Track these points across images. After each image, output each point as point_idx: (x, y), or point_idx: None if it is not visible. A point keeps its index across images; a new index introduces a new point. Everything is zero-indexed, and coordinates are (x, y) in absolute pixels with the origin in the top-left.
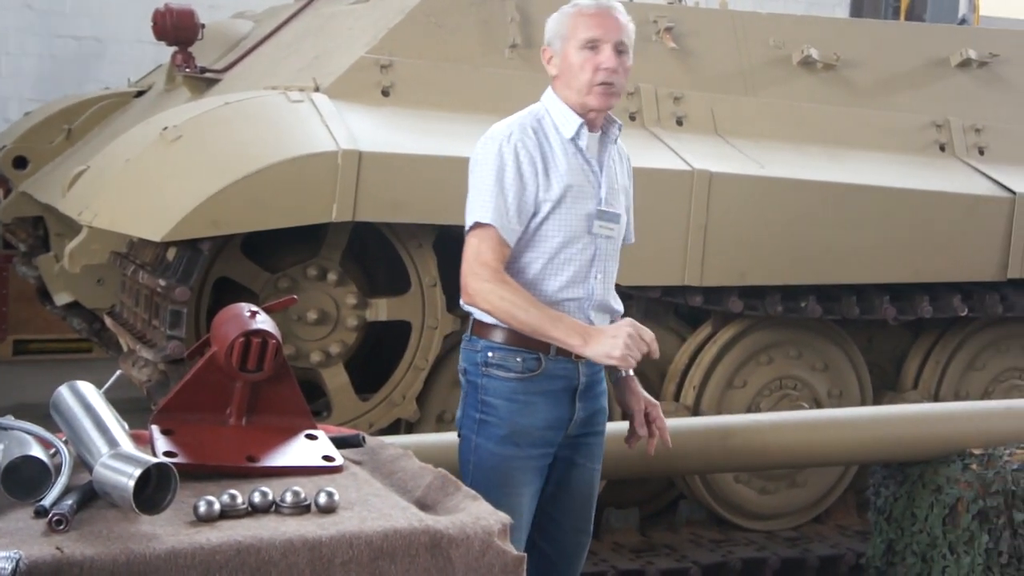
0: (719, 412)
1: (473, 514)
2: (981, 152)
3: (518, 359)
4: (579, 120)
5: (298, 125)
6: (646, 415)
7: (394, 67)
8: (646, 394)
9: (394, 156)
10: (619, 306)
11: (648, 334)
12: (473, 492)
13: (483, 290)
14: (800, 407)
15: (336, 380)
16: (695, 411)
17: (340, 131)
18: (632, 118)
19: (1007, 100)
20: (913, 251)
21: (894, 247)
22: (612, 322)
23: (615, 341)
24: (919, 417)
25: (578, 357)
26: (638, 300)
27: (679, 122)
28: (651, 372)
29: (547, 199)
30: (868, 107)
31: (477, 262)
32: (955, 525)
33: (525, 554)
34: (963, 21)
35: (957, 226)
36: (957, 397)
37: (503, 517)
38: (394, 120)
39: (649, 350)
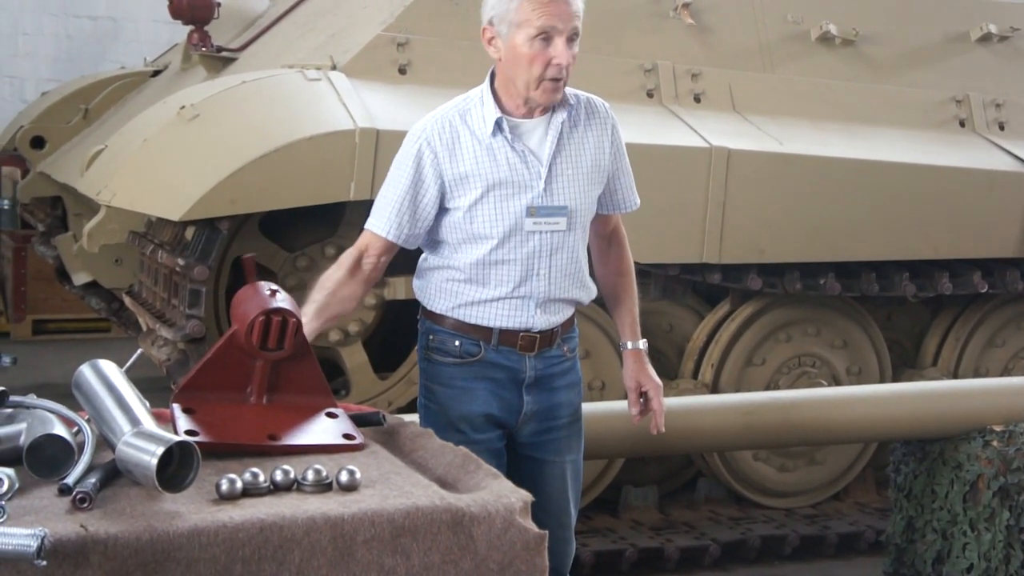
0: (738, 390)
1: (495, 492)
2: (1001, 127)
3: (456, 343)
4: (495, 115)
5: (315, 103)
6: (643, 394)
7: (411, 45)
8: (651, 373)
9: None
10: (584, 295)
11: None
12: (494, 470)
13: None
14: (819, 384)
15: (355, 359)
16: (714, 389)
17: (357, 109)
18: (650, 95)
19: None
20: (933, 227)
21: (914, 223)
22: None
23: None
24: (939, 394)
25: (524, 349)
26: (656, 278)
27: (697, 99)
28: (669, 350)
29: (463, 197)
30: (887, 83)
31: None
32: (976, 502)
33: (547, 531)
34: None
35: (977, 202)
36: (977, 374)
37: (524, 495)
38: (411, 98)
39: None
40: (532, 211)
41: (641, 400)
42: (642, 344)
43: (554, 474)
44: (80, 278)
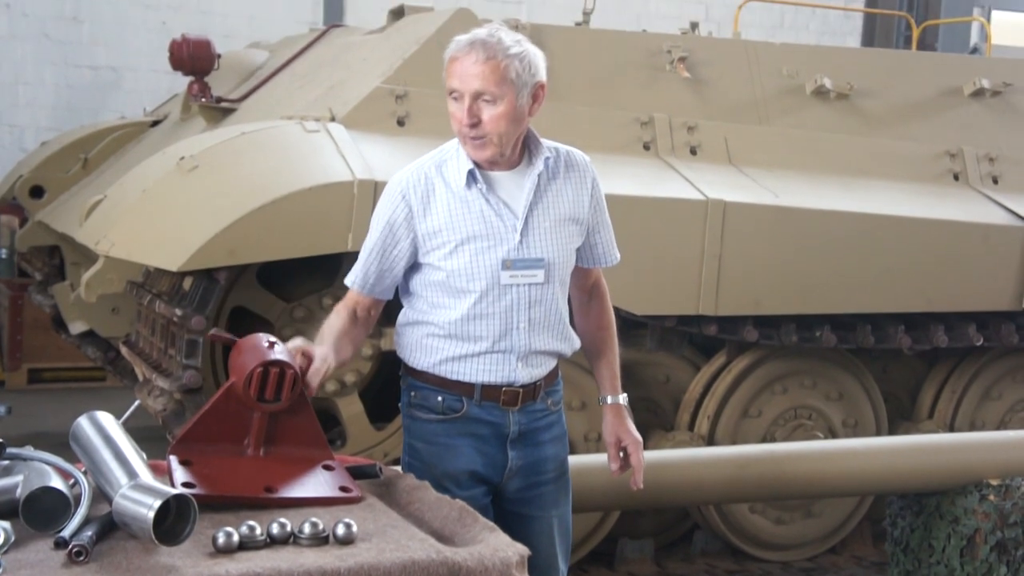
0: (734, 442)
1: (491, 545)
2: (995, 181)
3: (439, 399)
4: (469, 165)
5: (314, 155)
6: (623, 450)
7: (409, 97)
8: (630, 428)
9: None
10: (566, 347)
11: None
12: (491, 524)
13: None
14: (815, 437)
15: (351, 409)
16: (710, 441)
17: (356, 161)
18: (646, 147)
19: (1021, 129)
20: (928, 280)
21: (909, 276)
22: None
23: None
24: (935, 447)
25: (507, 404)
26: (653, 329)
27: (693, 151)
28: (665, 401)
29: (438, 251)
30: (882, 136)
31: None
32: (973, 557)
33: None
34: (975, 50)
35: (972, 255)
36: (973, 427)
37: (521, 549)
38: (409, 149)
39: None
40: (508, 264)
41: (620, 455)
42: (622, 399)
43: (541, 529)
44: (77, 327)
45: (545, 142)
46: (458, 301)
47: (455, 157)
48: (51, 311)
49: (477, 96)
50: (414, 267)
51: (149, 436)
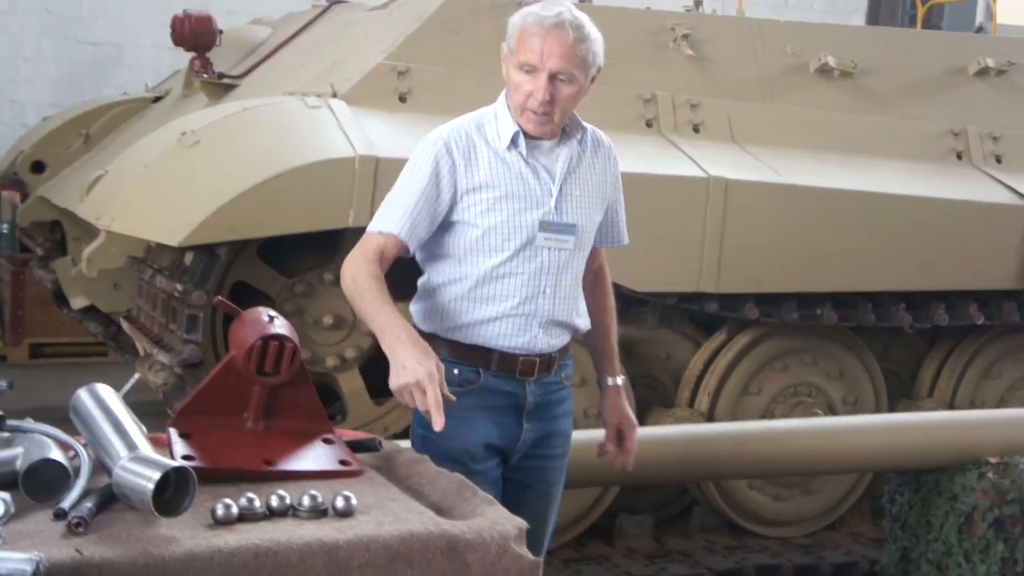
0: (734, 419)
1: (490, 519)
2: (998, 160)
3: (455, 371)
4: (514, 129)
5: (315, 131)
6: (619, 431)
7: (411, 73)
8: (627, 411)
9: None
10: (581, 322)
11: (433, 399)
12: (490, 497)
13: (345, 269)
14: (815, 414)
15: (351, 384)
16: (709, 417)
17: (357, 137)
18: (649, 125)
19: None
20: (929, 259)
21: (910, 255)
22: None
23: (401, 379)
24: (934, 425)
25: (524, 375)
26: (654, 306)
27: (696, 129)
28: (666, 378)
29: (477, 207)
30: (885, 115)
31: (357, 249)
32: (971, 533)
33: (541, 559)
34: (980, 29)
35: (974, 234)
36: (972, 405)
37: (519, 522)
38: (411, 126)
39: (426, 411)
40: (544, 226)
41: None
42: (621, 380)
43: (538, 501)
44: (78, 302)
45: (581, 118)
46: (489, 258)
47: (493, 120)
48: (52, 286)
49: (555, 74)
50: (444, 226)
51: (150, 410)
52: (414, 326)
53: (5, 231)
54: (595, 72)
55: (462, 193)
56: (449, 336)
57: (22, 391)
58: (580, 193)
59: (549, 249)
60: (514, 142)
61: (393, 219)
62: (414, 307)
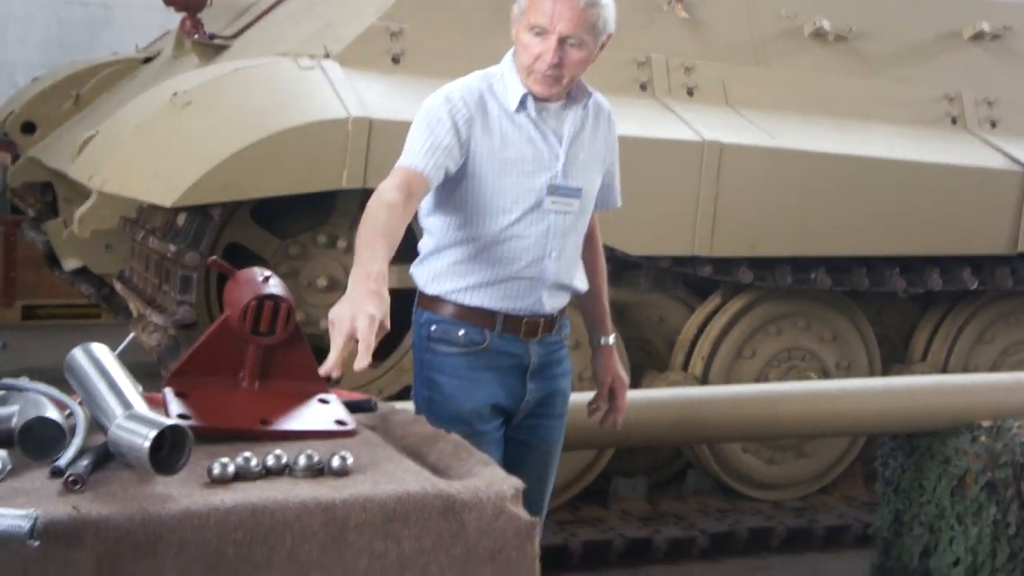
0: (727, 382)
1: (486, 479)
2: (993, 125)
3: (460, 332)
4: (522, 91)
5: (308, 92)
6: (611, 390)
7: (404, 34)
8: (620, 370)
9: (404, 124)
10: (581, 284)
11: (364, 337)
12: (486, 457)
13: (374, 197)
14: (808, 378)
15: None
16: (703, 381)
17: (350, 98)
18: (643, 88)
19: (1020, 73)
20: (924, 224)
21: (905, 219)
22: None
23: (343, 309)
24: (928, 389)
25: (528, 335)
26: (648, 270)
27: (690, 93)
28: (659, 342)
29: (487, 166)
30: (880, 79)
31: (388, 178)
32: (963, 496)
33: (537, 519)
34: None
35: (968, 199)
36: (966, 370)
37: (516, 482)
38: (404, 87)
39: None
40: (552, 189)
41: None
42: (613, 339)
43: (538, 461)
44: (70, 264)
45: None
46: (497, 221)
47: (501, 81)
48: (44, 248)
49: (565, 38)
50: (452, 183)
51: (144, 371)
52: (418, 292)
53: None
54: (605, 39)
55: (474, 149)
56: (454, 299)
57: (15, 353)
58: (584, 157)
59: (555, 212)
60: (523, 104)
61: (417, 157)
62: (417, 269)
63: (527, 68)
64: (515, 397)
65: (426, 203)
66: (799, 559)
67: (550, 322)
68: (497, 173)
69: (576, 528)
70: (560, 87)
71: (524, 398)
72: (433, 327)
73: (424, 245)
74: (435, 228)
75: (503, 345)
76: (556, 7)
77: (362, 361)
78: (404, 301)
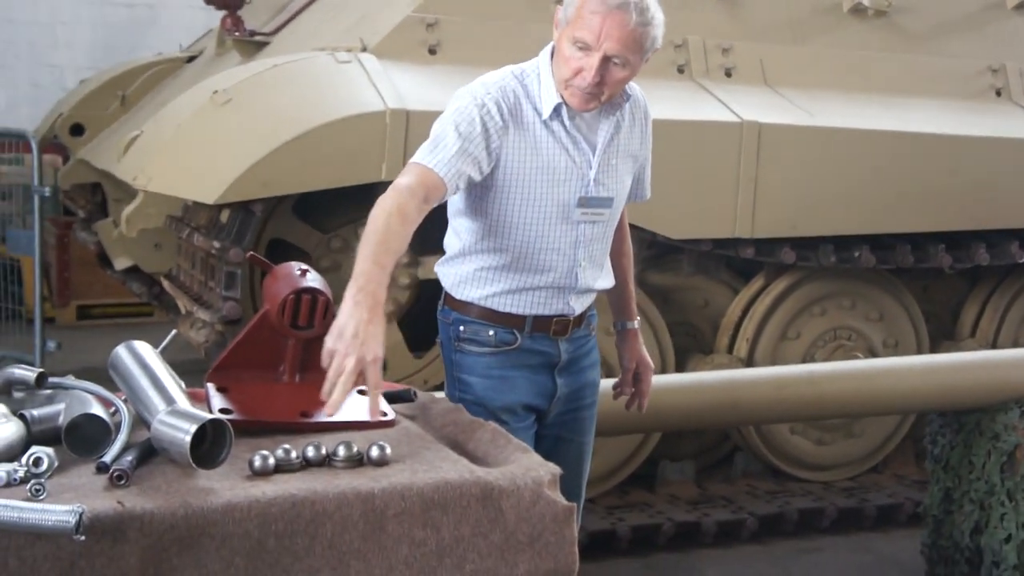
0: (773, 364)
1: (524, 465)
2: None
3: (490, 333)
4: (556, 100)
5: (346, 86)
6: (636, 374)
7: (440, 25)
8: (644, 353)
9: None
10: (610, 280)
11: (375, 386)
12: (524, 444)
13: (386, 194)
14: (855, 358)
15: (390, 338)
16: (749, 363)
17: (387, 90)
18: (680, 71)
19: None
20: (969, 198)
21: (949, 194)
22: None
23: (344, 343)
24: (974, 364)
25: (557, 334)
26: (690, 254)
27: (728, 73)
28: (704, 325)
29: (516, 175)
30: (921, 53)
31: (404, 176)
32: (1013, 472)
33: (575, 504)
34: None
35: (1014, 171)
36: (1016, 345)
37: (553, 468)
38: (441, 78)
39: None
40: (583, 201)
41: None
42: (637, 323)
43: (570, 453)
44: (121, 263)
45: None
46: (524, 230)
47: (537, 82)
48: (96, 248)
49: (609, 57)
50: (482, 188)
51: (194, 368)
52: (445, 292)
53: (47, 195)
54: (650, 55)
55: (505, 157)
56: (483, 304)
57: (70, 352)
58: (617, 162)
59: (586, 223)
60: (556, 111)
61: (440, 160)
62: (442, 269)
63: (565, 81)
64: (546, 394)
65: (455, 202)
66: (850, 539)
67: (579, 319)
68: (527, 183)
69: (624, 513)
70: (597, 103)
71: (555, 394)
72: (462, 327)
73: (450, 245)
74: (462, 230)
75: (533, 344)
76: (606, 24)
77: (376, 414)
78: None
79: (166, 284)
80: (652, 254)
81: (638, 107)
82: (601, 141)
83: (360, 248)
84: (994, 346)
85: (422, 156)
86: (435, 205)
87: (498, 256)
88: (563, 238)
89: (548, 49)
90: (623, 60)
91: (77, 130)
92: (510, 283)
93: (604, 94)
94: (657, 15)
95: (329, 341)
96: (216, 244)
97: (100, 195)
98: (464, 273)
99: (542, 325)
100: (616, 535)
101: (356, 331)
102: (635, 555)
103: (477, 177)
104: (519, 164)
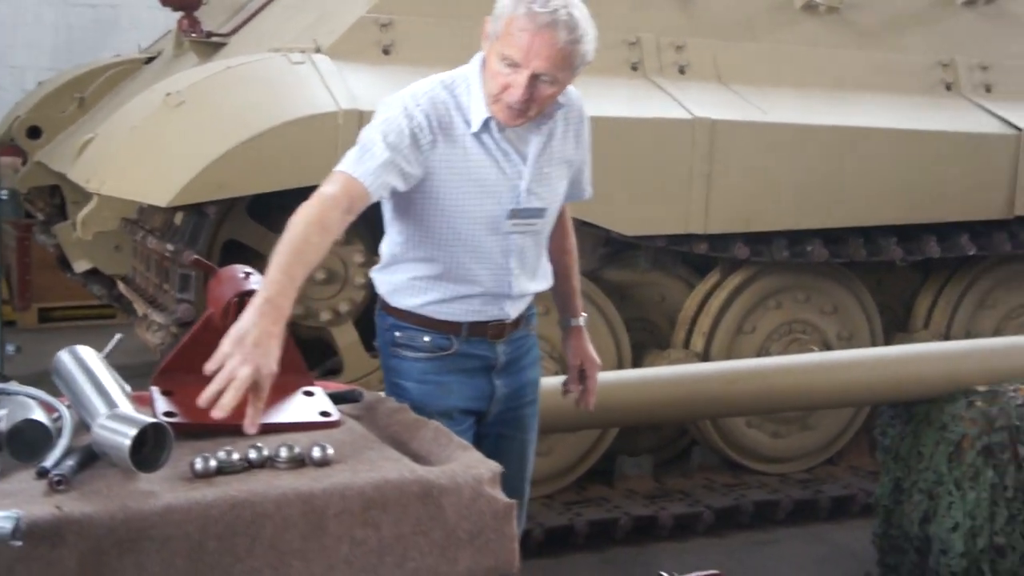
0: (729, 358)
1: (464, 463)
2: (988, 90)
3: (426, 339)
4: (485, 115)
5: (299, 86)
6: (582, 371)
7: (394, 25)
8: (590, 351)
9: None
10: (547, 282)
11: (261, 398)
12: (465, 442)
13: (308, 202)
14: (810, 351)
15: (346, 338)
16: (705, 358)
17: (340, 91)
18: (634, 68)
19: (1014, 37)
20: (920, 191)
21: (900, 188)
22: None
23: (243, 350)
24: (923, 356)
25: (495, 338)
26: (645, 250)
27: (681, 71)
28: (661, 320)
29: (445, 189)
30: (873, 49)
31: (328, 185)
32: (960, 461)
33: (515, 501)
34: None
35: (964, 165)
36: (968, 336)
37: (493, 465)
38: (395, 79)
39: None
40: (514, 213)
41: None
42: (583, 320)
43: (512, 450)
44: (80, 265)
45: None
46: (454, 242)
47: (467, 93)
48: (55, 250)
49: (538, 75)
50: (412, 199)
51: (149, 372)
52: (380, 296)
53: (5, 197)
54: (581, 70)
55: (435, 169)
56: (418, 311)
57: (31, 355)
58: (551, 170)
59: (517, 233)
60: (486, 125)
61: (366, 170)
62: (377, 276)
63: (493, 96)
64: (483, 397)
65: (388, 210)
66: (805, 530)
67: (517, 322)
68: (457, 195)
69: (582, 508)
70: (525, 119)
71: (493, 395)
72: (398, 333)
73: (384, 251)
74: (395, 239)
75: (470, 348)
76: (534, 43)
77: (255, 428)
78: None
79: (122, 287)
80: (609, 251)
81: (572, 111)
82: (532, 152)
83: (274, 255)
84: (947, 337)
85: (348, 165)
86: (358, 215)
87: (430, 266)
88: (494, 248)
89: (479, 58)
90: (552, 78)
91: (34, 132)
92: (443, 292)
93: (532, 110)
94: (588, 31)
95: (226, 345)
96: (170, 247)
97: (59, 197)
98: (398, 281)
99: (478, 330)
100: (574, 530)
101: (257, 340)
102: (592, 550)
103: (402, 188)
104: (448, 177)
